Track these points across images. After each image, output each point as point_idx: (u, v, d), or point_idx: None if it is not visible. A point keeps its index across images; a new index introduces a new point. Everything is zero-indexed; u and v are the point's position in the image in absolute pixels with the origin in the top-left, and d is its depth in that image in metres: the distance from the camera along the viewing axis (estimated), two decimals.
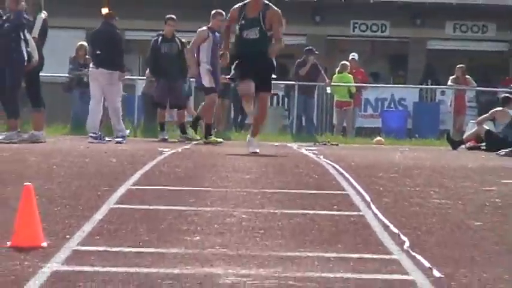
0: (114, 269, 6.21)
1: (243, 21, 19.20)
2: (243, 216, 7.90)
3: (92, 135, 22.82)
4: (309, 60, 31.40)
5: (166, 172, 12.76)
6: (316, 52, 31.97)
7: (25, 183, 7.12)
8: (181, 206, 8.97)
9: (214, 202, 9.33)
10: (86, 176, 11.88)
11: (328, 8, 38.42)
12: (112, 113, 23.73)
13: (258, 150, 17.99)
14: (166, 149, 17.18)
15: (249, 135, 19.40)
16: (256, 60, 19.11)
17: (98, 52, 24.08)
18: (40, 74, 21.51)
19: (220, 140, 23.75)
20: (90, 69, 24.26)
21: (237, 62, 19.49)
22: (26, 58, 20.06)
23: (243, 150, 17.13)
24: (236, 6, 19.52)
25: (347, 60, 33.20)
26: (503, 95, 27.22)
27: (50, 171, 12.29)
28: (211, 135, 23.09)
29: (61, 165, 13.60)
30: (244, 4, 19.71)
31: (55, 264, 6.31)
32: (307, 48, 32.17)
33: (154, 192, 10.37)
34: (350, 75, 32.70)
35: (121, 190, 10.05)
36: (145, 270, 6.23)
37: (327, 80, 32.66)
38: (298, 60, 30.96)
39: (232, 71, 19.41)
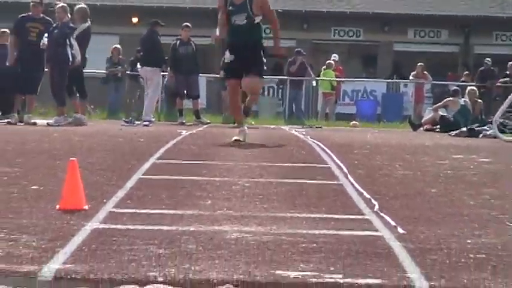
0: (141, 227, 6.19)
1: (230, 7, 15.09)
2: (246, 184, 7.88)
3: (146, 118, 23.25)
4: (298, 60, 31.73)
5: (184, 149, 12.72)
6: (304, 53, 32.23)
7: (71, 158, 7.12)
8: (196, 177, 8.94)
9: (222, 173, 9.29)
10: (119, 152, 11.84)
11: (313, 18, 38.44)
12: (149, 101, 23.93)
13: (241, 139, 14.18)
14: (184, 131, 17.12)
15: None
16: (245, 47, 15.01)
17: (141, 53, 25.66)
18: (83, 70, 21.78)
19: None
20: (138, 67, 25.34)
21: (227, 51, 15.29)
22: (70, 59, 20.27)
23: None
24: None
25: (329, 60, 33.41)
26: (453, 88, 27.40)
27: (91, 148, 12.26)
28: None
29: (99, 144, 13.57)
30: None
31: (94, 223, 6.29)
32: (297, 50, 32.40)
33: (174, 165, 10.35)
34: (333, 72, 33.32)
35: (148, 163, 10.03)
36: (167, 228, 6.21)
37: (312, 75, 33.04)
38: (289, 59, 31.07)
39: (223, 60, 15.70)
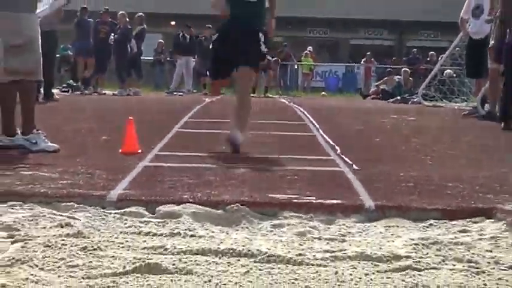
0: (177, 165, 6.16)
1: None
2: (249, 136, 7.85)
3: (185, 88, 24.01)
4: (284, 50, 32.31)
5: (207, 111, 12.71)
6: (287, 46, 32.47)
7: (129, 117, 7.09)
8: (215, 130, 8.91)
9: None
10: (164, 112, 11.86)
11: (295, 21, 38.26)
12: (187, 79, 24.43)
13: (237, 143, 7.27)
14: (207, 99, 17.07)
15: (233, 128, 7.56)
16: (246, 32, 7.57)
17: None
18: (141, 58, 22.12)
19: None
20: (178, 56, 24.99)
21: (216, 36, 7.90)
22: (129, 50, 20.38)
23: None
24: None
25: (305, 51, 33.71)
26: (389, 70, 27.64)
27: (143, 110, 12.25)
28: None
29: (149, 107, 13.57)
30: None
31: (145, 163, 6.28)
32: (284, 44, 32.92)
33: (201, 122, 10.33)
34: (310, 59, 33.53)
35: (182, 121, 10.01)
36: (195, 165, 6.19)
37: (295, 61, 33.17)
38: (279, 50, 31.31)
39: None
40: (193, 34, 24.84)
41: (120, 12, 21.00)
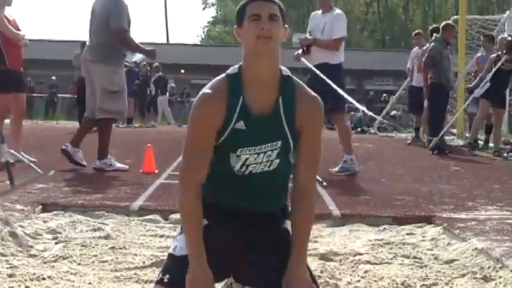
0: None
1: (236, 124, 2.25)
2: None
3: None
4: None
5: None
6: None
7: (148, 144, 7.08)
8: None
9: None
10: (176, 140, 11.82)
11: None
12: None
13: None
14: None
15: None
16: (256, 223, 2.37)
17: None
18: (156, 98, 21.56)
19: None
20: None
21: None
22: (148, 93, 20.18)
23: None
24: None
25: None
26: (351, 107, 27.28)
27: (159, 138, 12.23)
28: None
29: (164, 136, 13.54)
30: None
31: (161, 180, 6.26)
32: None
33: None
34: None
35: None
36: None
37: None
38: None
39: None
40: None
41: (142, 63, 20.79)
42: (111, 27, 6.86)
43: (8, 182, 4.54)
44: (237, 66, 2.34)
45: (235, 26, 2.34)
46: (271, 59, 2.28)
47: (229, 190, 2.36)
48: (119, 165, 6.99)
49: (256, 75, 2.28)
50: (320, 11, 7.38)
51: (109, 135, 7.09)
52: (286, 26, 2.35)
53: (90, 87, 7.18)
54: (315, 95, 2.39)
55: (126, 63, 7.79)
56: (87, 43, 7.27)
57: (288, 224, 2.41)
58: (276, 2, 2.32)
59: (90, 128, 7.31)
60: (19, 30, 7.36)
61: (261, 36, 2.22)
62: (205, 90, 2.31)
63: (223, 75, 2.35)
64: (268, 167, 2.33)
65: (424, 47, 11.29)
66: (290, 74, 2.35)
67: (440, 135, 10.00)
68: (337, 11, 7.41)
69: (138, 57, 7.58)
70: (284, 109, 2.30)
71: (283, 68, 2.35)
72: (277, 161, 2.33)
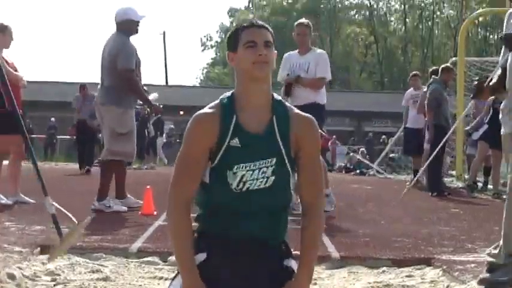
0: None
1: (232, 141, 2.31)
2: None
3: None
4: None
5: None
6: None
7: (147, 186, 7.10)
8: None
9: None
10: None
11: None
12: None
13: None
14: None
15: None
16: (254, 253, 2.39)
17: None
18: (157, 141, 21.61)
19: None
20: None
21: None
22: (147, 135, 20.21)
23: None
24: None
25: None
26: (351, 149, 27.30)
27: (159, 180, 12.20)
28: None
29: (163, 178, 13.52)
30: None
31: (160, 222, 6.26)
32: None
33: None
34: None
35: None
36: None
37: None
38: None
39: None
40: None
41: (157, 104, 20.87)
42: (117, 68, 6.93)
43: (56, 234, 4.37)
44: (228, 93, 2.43)
45: (228, 51, 2.41)
46: (266, 84, 2.38)
47: (229, 214, 2.36)
48: (117, 207, 7.01)
49: (250, 100, 2.38)
50: (296, 52, 7.42)
51: (111, 177, 7.11)
52: (276, 51, 2.43)
53: (104, 130, 7.25)
54: (309, 115, 2.46)
55: (138, 106, 7.86)
56: (99, 86, 7.26)
57: (292, 262, 2.44)
58: (268, 28, 2.41)
59: (119, 171, 7.27)
60: (17, 71, 7.43)
61: (257, 62, 2.32)
62: (199, 112, 2.41)
63: (216, 101, 2.43)
64: (265, 184, 2.36)
65: (422, 90, 11.39)
66: (282, 99, 2.44)
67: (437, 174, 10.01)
68: (319, 50, 7.49)
69: (151, 98, 7.65)
70: (278, 127, 2.38)
71: (274, 93, 2.44)
72: (273, 178, 2.36)
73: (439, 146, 9.83)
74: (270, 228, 2.40)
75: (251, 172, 2.34)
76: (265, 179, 2.36)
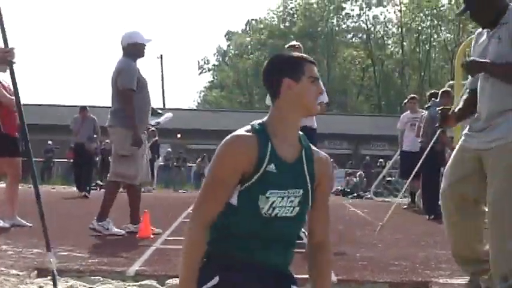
0: (181, 246, 6.15)
1: (267, 167, 2.37)
2: None
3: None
4: None
5: None
6: None
7: (144, 210, 7.11)
8: None
9: None
10: (172, 205, 11.82)
11: None
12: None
13: None
14: None
15: None
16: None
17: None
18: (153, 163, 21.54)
19: None
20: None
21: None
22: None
23: None
24: None
25: None
26: (348, 172, 27.26)
27: (156, 203, 12.21)
28: None
29: (160, 201, 13.52)
30: None
31: (157, 245, 6.27)
32: None
33: None
34: None
35: (185, 212, 9.91)
36: None
37: None
38: None
39: None
40: None
41: (152, 128, 20.68)
42: (118, 88, 6.96)
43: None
44: (257, 121, 2.43)
45: (286, 77, 2.39)
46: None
47: (250, 238, 2.36)
48: (115, 229, 7.02)
49: (286, 129, 2.42)
50: None
51: (113, 198, 7.11)
52: None
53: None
54: (325, 154, 2.56)
55: (150, 126, 7.86)
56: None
57: None
58: None
59: (133, 195, 7.31)
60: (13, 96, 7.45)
61: (316, 98, 2.44)
62: (237, 133, 2.38)
63: (247, 126, 2.41)
64: (290, 213, 2.40)
65: (420, 113, 11.44)
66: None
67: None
68: None
69: (161, 119, 7.68)
70: (306, 160, 2.44)
71: None
72: (297, 208, 2.41)
73: (434, 170, 9.86)
74: (284, 255, 2.47)
75: (281, 199, 2.36)
76: (291, 208, 2.40)
